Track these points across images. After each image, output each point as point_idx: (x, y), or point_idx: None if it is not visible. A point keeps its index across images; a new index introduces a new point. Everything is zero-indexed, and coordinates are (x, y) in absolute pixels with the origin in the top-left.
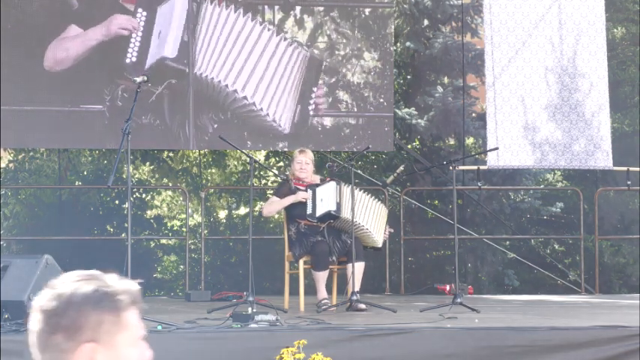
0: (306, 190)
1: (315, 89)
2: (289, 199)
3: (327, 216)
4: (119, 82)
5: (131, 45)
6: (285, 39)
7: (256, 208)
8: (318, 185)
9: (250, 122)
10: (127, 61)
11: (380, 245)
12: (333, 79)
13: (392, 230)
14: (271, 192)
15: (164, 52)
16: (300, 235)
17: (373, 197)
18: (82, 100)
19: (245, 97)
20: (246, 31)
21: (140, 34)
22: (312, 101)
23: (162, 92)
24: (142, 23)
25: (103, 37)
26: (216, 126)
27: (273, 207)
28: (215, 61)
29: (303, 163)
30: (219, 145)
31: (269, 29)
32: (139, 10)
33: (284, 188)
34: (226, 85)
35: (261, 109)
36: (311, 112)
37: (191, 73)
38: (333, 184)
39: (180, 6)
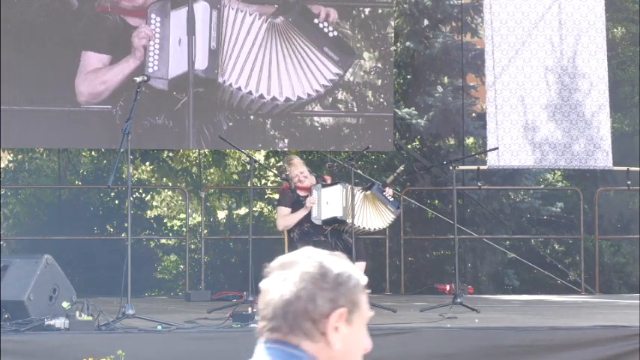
0: (310, 193)
1: (316, 20)
2: (302, 213)
3: (333, 221)
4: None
5: (150, 54)
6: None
7: (256, 208)
8: (323, 186)
9: (262, 122)
10: (150, 70)
11: (391, 221)
12: (340, 33)
13: (390, 191)
14: (270, 192)
15: (195, 66)
16: (303, 234)
17: (358, 191)
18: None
19: (275, 98)
20: (253, 30)
21: (157, 41)
22: (326, 29)
23: (188, 100)
24: (158, 29)
25: (136, 63)
26: (230, 124)
27: (289, 221)
28: (235, 68)
29: (300, 175)
30: (227, 145)
31: (261, 19)
32: (152, 15)
33: (287, 194)
34: (249, 92)
35: (299, 98)
36: (335, 33)
37: (191, 73)
38: (339, 187)
39: (202, 13)
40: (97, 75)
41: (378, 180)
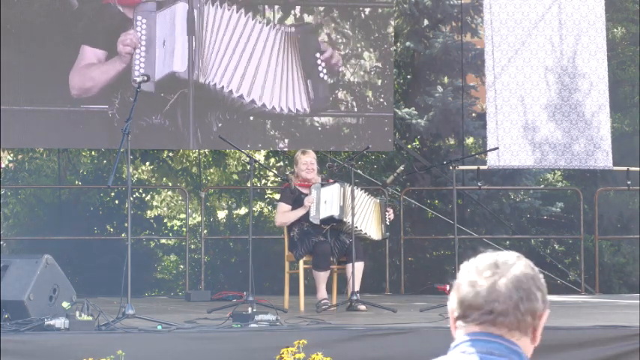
0: (309, 192)
1: (317, 55)
2: (300, 211)
3: (330, 220)
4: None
5: (137, 57)
6: (267, 24)
7: (256, 208)
8: (322, 185)
9: (262, 122)
10: (136, 73)
11: (379, 238)
12: (333, 79)
13: (392, 216)
14: (270, 192)
15: (174, 67)
16: (302, 234)
17: (367, 194)
18: (85, 100)
19: (253, 101)
20: (246, 31)
21: (143, 42)
22: (320, 68)
23: (176, 100)
24: (144, 31)
25: (122, 65)
26: (220, 125)
27: (286, 219)
28: (219, 68)
29: (309, 164)
30: (226, 145)
31: (260, 22)
32: (139, 17)
33: (288, 192)
34: (230, 91)
35: (273, 108)
36: (325, 78)
37: (191, 78)
38: (337, 186)
39: (182, 13)
40: (87, 70)
41: (378, 180)
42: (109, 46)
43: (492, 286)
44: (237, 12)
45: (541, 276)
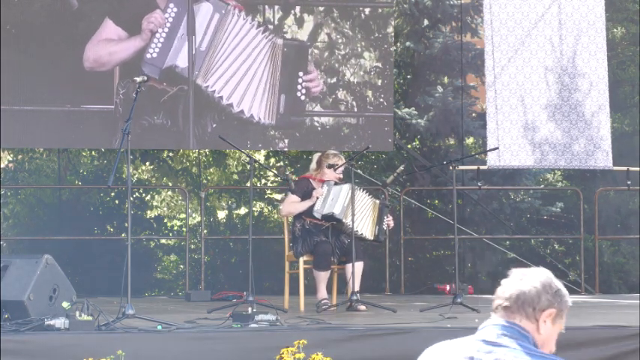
0: (321, 186)
1: (301, 74)
2: (308, 203)
3: (330, 217)
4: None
5: (155, 41)
6: (258, 26)
7: (256, 208)
8: (336, 183)
9: (232, 122)
10: (148, 56)
11: (371, 237)
12: (333, 79)
13: (391, 223)
14: (270, 192)
15: (177, 61)
16: (304, 232)
17: (367, 194)
18: (87, 99)
19: (234, 103)
20: (247, 37)
21: (166, 29)
22: (300, 87)
23: (175, 94)
24: (170, 19)
25: (141, 44)
26: (214, 125)
27: (293, 208)
28: (216, 72)
29: (341, 168)
30: (225, 145)
31: (252, 23)
32: (171, 5)
33: (302, 185)
34: (221, 97)
35: (242, 112)
36: (302, 98)
37: (191, 76)
38: (347, 186)
39: (203, 13)
40: (107, 45)
41: (378, 180)
42: (131, 28)
43: (510, 283)
44: (244, 18)
45: (559, 288)
